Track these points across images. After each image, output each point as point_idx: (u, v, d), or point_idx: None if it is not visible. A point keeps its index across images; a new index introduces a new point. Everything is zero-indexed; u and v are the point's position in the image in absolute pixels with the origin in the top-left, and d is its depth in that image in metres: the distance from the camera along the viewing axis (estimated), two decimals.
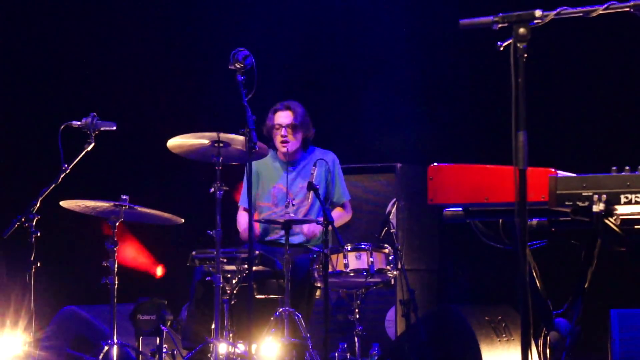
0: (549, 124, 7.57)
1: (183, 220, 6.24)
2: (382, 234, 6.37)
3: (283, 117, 6.89)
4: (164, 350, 6.17)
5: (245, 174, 6.93)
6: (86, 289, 7.58)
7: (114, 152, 7.79)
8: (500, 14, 3.61)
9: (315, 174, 6.45)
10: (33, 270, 5.75)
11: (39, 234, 5.81)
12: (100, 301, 6.69)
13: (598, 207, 4.00)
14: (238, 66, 5.76)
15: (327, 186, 6.92)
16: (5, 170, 8.20)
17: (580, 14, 3.72)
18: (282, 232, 6.41)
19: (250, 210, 5.48)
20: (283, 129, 6.87)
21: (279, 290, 6.49)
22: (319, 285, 6.40)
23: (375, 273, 6.30)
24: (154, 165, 8.25)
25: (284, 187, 6.95)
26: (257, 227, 6.86)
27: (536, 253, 4.61)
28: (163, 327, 6.18)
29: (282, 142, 6.88)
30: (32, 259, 5.75)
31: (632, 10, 3.71)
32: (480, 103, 8.03)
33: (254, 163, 6.21)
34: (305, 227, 6.80)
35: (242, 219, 7.01)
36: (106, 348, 5.92)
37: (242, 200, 7.07)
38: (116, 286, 5.96)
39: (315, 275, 6.35)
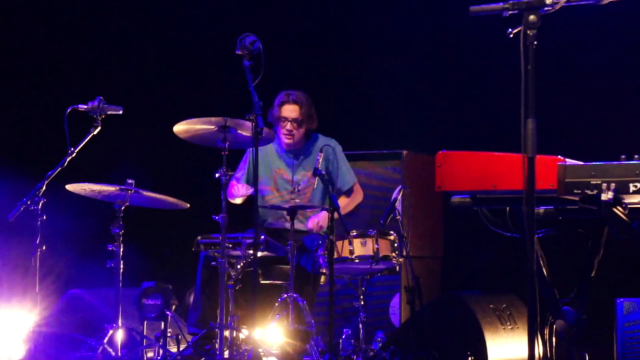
0: (558, 111, 7.54)
1: (188, 205, 6.23)
2: (388, 221, 6.35)
3: (289, 111, 6.87)
4: (169, 334, 6.17)
5: (250, 158, 6.94)
6: (91, 272, 7.58)
7: (120, 137, 7.77)
8: (511, 1, 3.59)
9: (321, 160, 6.44)
10: (38, 253, 5.74)
11: (44, 217, 5.81)
12: (105, 285, 6.69)
13: (606, 196, 4.00)
14: (245, 51, 5.74)
15: (330, 174, 6.90)
16: (12, 154, 8.20)
17: (591, 1, 3.70)
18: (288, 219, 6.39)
19: (255, 196, 5.48)
20: (289, 122, 6.86)
21: (284, 276, 6.49)
22: (324, 271, 6.40)
23: (380, 260, 6.30)
24: (160, 149, 8.24)
25: (285, 173, 6.95)
26: (240, 191, 6.76)
27: (543, 241, 4.61)
28: (168, 312, 6.19)
29: (287, 135, 6.87)
30: (37, 242, 5.75)
31: None
32: (489, 90, 8.01)
33: None
34: (310, 222, 6.79)
35: (233, 185, 6.93)
36: (110, 332, 5.92)
37: (234, 177, 6.98)
38: (121, 270, 5.96)
39: (321, 261, 6.34)
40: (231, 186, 6.79)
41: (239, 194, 6.74)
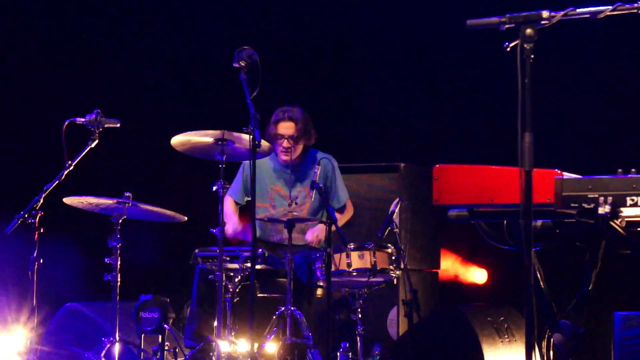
0: (555, 125, 7.55)
1: (186, 218, 6.23)
2: (385, 234, 6.35)
3: (285, 128, 6.88)
4: (166, 348, 6.16)
5: (244, 171, 6.95)
6: (88, 286, 7.57)
7: (117, 149, 7.77)
8: (508, 15, 3.59)
9: (318, 173, 6.44)
10: (36, 267, 5.73)
11: (42, 231, 5.80)
12: (102, 298, 6.68)
13: (604, 209, 3.99)
14: (242, 64, 5.75)
15: (325, 190, 6.90)
16: (9, 167, 8.19)
17: (588, 15, 3.71)
18: (285, 233, 6.39)
19: (252, 208, 5.48)
20: (285, 140, 6.87)
21: (281, 289, 6.48)
22: (321, 284, 6.39)
23: (377, 272, 6.29)
24: (158, 162, 8.24)
25: (282, 189, 6.95)
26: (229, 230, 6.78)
27: (540, 255, 4.60)
28: (165, 325, 6.18)
29: (284, 152, 6.88)
30: (34, 255, 5.74)
31: (639, 11, 3.69)
32: (486, 103, 8.02)
33: None
34: (309, 235, 6.79)
35: (229, 209, 6.94)
36: (108, 345, 5.91)
37: (231, 190, 7.00)
38: (118, 283, 5.95)
39: (318, 274, 6.34)
40: (226, 204, 6.83)
41: (228, 227, 6.71)
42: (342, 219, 7.01)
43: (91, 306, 6.98)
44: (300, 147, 6.93)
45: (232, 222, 6.81)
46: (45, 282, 5.89)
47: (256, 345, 6.12)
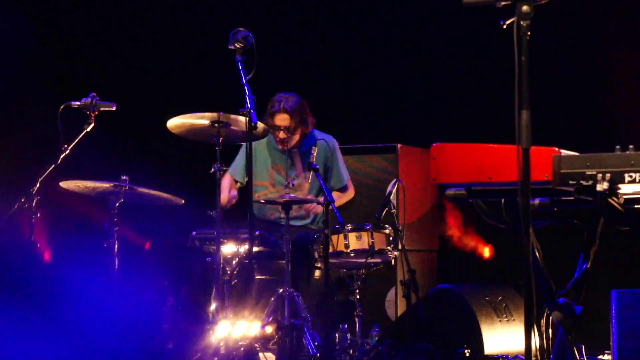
0: (553, 102, 7.53)
1: (183, 201, 6.22)
2: (383, 214, 6.35)
3: (281, 120, 6.87)
4: (165, 329, 6.17)
5: (244, 153, 6.95)
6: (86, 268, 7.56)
7: (113, 133, 7.75)
8: None
9: (315, 154, 6.44)
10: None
11: (38, 215, 5.79)
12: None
13: (602, 186, 3.98)
14: (238, 46, 5.74)
15: (325, 170, 6.92)
16: (5, 151, 8.17)
17: None
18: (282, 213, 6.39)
19: (250, 190, 5.48)
20: (281, 131, 6.87)
21: (279, 271, 6.48)
22: (319, 265, 6.39)
23: (375, 253, 6.29)
24: (154, 145, 8.22)
25: (281, 168, 6.95)
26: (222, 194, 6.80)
27: (538, 233, 4.59)
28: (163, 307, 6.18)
29: (280, 142, 6.88)
30: (32, 239, 5.73)
31: None
32: (482, 82, 7.99)
33: None
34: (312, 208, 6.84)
35: (226, 182, 6.96)
36: None
37: (232, 169, 7.02)
38: (116, 267, 5.94)
39: (316, 255, 6.34)
40: (224, 180, 6.82)
41: (223, 198, 6.69)
42: (343, 198, 7.04)
43: None
44: (297, 136, 6.94)
45: (225, 191, 6.79)
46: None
47: (254, 327, 6.13)
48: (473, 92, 8.19)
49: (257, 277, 6.57)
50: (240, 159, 7.06)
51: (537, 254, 4.71)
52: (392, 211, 6.37)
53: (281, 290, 6.17)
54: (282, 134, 6.87)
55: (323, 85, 8.37)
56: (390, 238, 6.37)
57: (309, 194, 6.89)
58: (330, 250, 6.18)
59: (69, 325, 6.72)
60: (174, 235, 7.43)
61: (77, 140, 5.95)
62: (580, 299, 4.80)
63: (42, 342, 5.93)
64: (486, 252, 8.25)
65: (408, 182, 6.91)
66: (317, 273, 6.61)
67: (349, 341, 6.38)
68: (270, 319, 6.18)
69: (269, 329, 6.18)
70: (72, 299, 6.97)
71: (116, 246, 5.94)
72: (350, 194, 7.15)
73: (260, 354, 6.00)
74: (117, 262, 5.94)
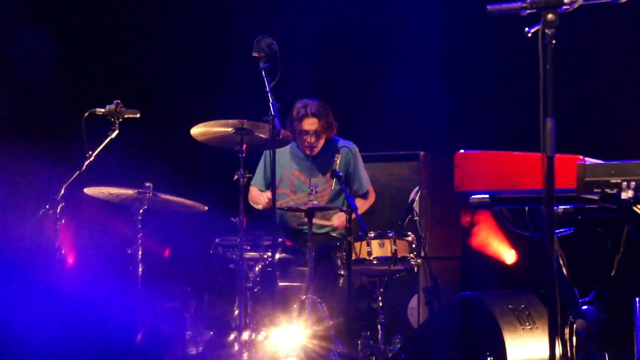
0: (578, 110, 7.52)
1: (207, 208, 6.24)
2: (406, 222, 6.35)
3: (309, 124, 6.90)
4: (187, 336, 6.18)
5: (265, 160, 6.98)
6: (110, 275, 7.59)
7: (137, 140, 7.78)
8: (529, 0, 3.58)
9: (338, 162, 6.46)
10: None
11: (63, 221, 5.81)
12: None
13: (627, 195, 3.98)
14: (262, 53, 5.75)
15: (347, 176, 6.93)
16: (31, 158, 8.21)
17: (609, 0, 3.69)
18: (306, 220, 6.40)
19: (273, 196, 5.50)
20: (310, 136, 6.89)
21: (302, 278, 6.49)
22: (342, 273, 6.40)
23: (398, 261, 6.30)
24: (178, 152, 8.25)
25: (303, 175, 6.97)
26: (262, 200, 6.85)
27: (562, 241, 4.59)
28: (186, 314, 6.20)
29: (308, 147, 6.91)
30: (57, 246, 5.76)
31: None
32: (507, 90, 7.98)
33: None
34: (336, 219, 6.82)
35: (255, 192, 7.02)
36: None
37: (254, 180, 7.06)
38: (140, 273, 5.97)
39: (339, 262, 6.35)
40: (252, 192, 6.88)
41: (261, 202, 6.81)
42: (364, 205, 7.04)
43: None
44: (322, 141, 6.96)
45: (263, 195, 6.86)
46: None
47: (277, 333, 6.14)
48: (498, 100, 8.18)
49: (279, 283, 6.58)
50: (260, 169, 7.09)
51: (561, 261, 4.70)
52: (414, 218, 6.38)
53: (304, 297, 6.18)
54: (310, 139, 6.89)
55: (346, 92, 8.39)
56: (413, 245, 6.38)
57: (330, 202, 6.90)
58: (353, 257, 6.18)
59: (91, 329, 6.78)
60: (197, 242, 7.46)
61: (101, 147, 5.98)
62: (604, 307, 4.79)
63: (65, 344, 5.97)
64: (510, 258, 8.23)
65: (431, 190, 6.91)
66: (340, 280, 6.62)
67: (371, 349, 6.38)
68: (293, 325, 6.18)
69: (292, 336, 6.18)
70: (95, 304, 7.02)
71: (140, 253, 5.96)
72: (371, 199, 7.16)
73: None
74: (140, 269, 5.97)
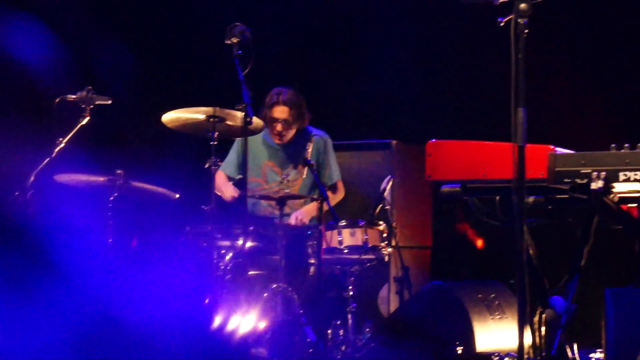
0: (548, 100, 7.54)
1: (178, 196, 6.21)
2: (377, 211, 6.36)
3: (279, 112, 6.86)
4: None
5: (237, 148, 6.95)
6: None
7: (109, 127, 7.74)
8: None
9: (310, 150, 6.44)
10: None
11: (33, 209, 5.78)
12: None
13: (597, 185, 4.00)
14: (234, 41, 5.74)
15: (317, 166, 6.91)
16: (1, 144, 8.15)
17: None
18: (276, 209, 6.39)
19: (244, 186, 5.49)
20: (279, 124, 6.86)
21: (273, 267, 6.48)
22: (312, 261, 6.39)
23: (369, 250, 6.30)
24: (149, 139, 8.21)
25: (275, 164, 6.95)
26: (226, 193, 6.83)
27: (532, 230, 4.61)
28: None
29: (277, 135, 6.88)
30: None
31: None
32: (478, 79, 8.00)
33: None
34: (292, 217, 6.76)
35: (220, 179, 6.94)
36: None
37: (224, 166, 6.99)
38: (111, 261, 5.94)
39: (309, 251, 6.34)
40: (218, 177, 6.80)
41: (226, 194, 6.76)
42: (333, 199, 7.01)
43: None
44: (293, 131, 6.93)
45: (228, 187, 6.81)
46: None
47: (247, 322, 6.13)
48: (469, 90, 8.20)
49: (250, 272, 6.57)
50: (232, 155, 7.05)
51: (530, 251, 4.72)
52: (386, 207, 6.38)
53: (275, 285, 6.17)
54: (279, 127, 6.86)
55: (318, 80, 8.37)
56: (384, 234, 6.38)
57: (302, 191, 6.88)
58: (324, 246, 6.18)
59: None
60: (167, 230, 7.43)
61: (72, 134, 5.94)
62: (573, 297, 4.81)
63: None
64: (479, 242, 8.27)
65: (402, 179, 6.91)
66: (311, 269, 6.61)
67: (341, 337, 6.38)
68: (264, 314, 6.18)
69: (262, 325, 6.17)
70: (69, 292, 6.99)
71: (111, 240, 5.94)
72: (339, 195, 7.12)
73: (253, 349, 6.00)
74: (112, 256, 5.94)
